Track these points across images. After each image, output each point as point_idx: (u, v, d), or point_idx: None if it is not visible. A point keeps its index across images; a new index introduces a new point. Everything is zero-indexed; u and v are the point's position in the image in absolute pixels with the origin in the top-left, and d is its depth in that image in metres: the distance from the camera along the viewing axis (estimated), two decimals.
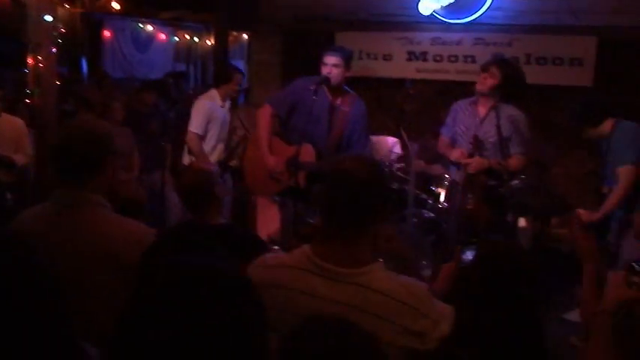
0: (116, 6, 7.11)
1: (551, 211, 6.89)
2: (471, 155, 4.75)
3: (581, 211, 4.62)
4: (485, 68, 4.92)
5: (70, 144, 2.36)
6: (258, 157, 5.03)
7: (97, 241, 2.34)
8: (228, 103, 6.27)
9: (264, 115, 5.05)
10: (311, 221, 2.65)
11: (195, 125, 5.92)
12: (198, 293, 1.21)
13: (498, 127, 4.55)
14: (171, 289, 1.22)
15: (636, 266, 2.42)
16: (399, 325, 1.89)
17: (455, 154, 5.08)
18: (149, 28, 10.86)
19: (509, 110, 4.87)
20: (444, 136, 5.32)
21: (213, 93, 6.15)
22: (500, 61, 4.93)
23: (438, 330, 1.93)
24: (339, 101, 4.98)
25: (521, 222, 6.10)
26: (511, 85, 4.81)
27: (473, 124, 4.95)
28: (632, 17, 6.74)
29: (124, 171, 6.39)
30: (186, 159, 6.11)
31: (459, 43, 7.34)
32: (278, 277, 2.02)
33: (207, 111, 5.98)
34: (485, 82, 4.84)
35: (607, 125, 4.80)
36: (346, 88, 5.03)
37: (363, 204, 1.97)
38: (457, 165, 5.08)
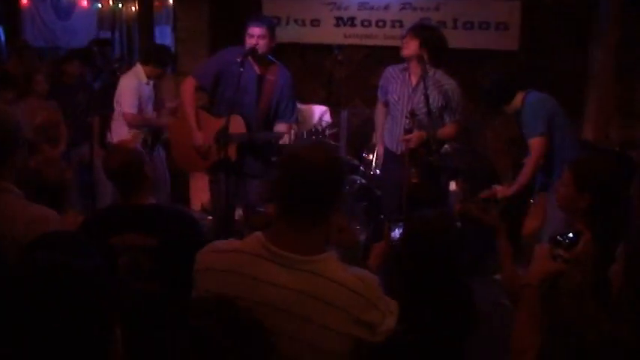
0: None
1: (480, 173, 7.05)
2: (409, 130, 4.76)
3: (497, 187, 4.74)
4: (404, 35, 4.97)
5: None
6: (184, 133, 4.94)
7: (7, 227, 2.33)
8: (152, 82, 6.13)
9: (187, 88, 4.95)
10: (261, 210, 2.61)
11: (129, 105, 5.82)
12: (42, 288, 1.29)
13: (426, 97, 4.58)
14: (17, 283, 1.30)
15: (561, 239, 2.49)
16: (351, 313, 1.88)
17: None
18: None
19: (440, 79, 4.90)
20: (380, 101, 5.31)
21: (138, 69, 6.00)
22: (416, 27, 4.99)
23: (386, 323, 1.94)
24: (265, 71, 4.93)
25: (452, 185, 6.23)
26: (431, 50, 4.84)
27: (405, 93, 4.96)
28: None
29: (51, 146, 6.23)
30: (111, 137, 5.99)
31: (386, 7, 7.34)
32: (230, 261, 1.99)
33: (136, 90, 5.87)
34: (407, 47, 4.87)
35: (518, 99, 4.90)
36: (271, 57, 4.98)
37: (320, 193, 1.94)
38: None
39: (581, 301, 2.27)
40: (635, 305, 1.90)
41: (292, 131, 4.83)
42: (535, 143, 4.73)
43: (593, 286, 2.26)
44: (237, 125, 4.71)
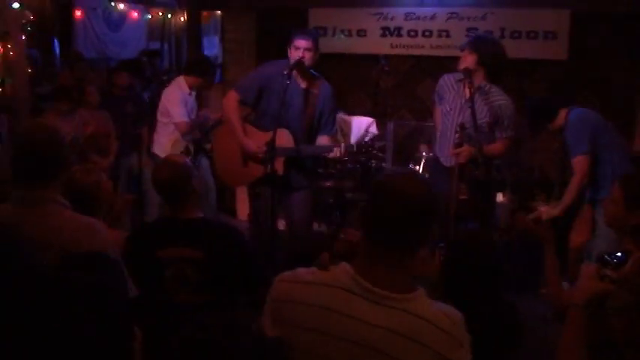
0: None
1: (527, 184, 6.98)
2: (459, 145, 4.70)
3: (542, 208, 4.69)
4: (462, 48, 4.90)
5: (35, 147, 2.40)
6: (228, 147, 4.97)
7: (54, 235, 2.42)
8: (194, 93, 6.23)
9: (230, 101, 4.96)
10: (343, 236, 2.57)
11: (180, 114, 5.93)
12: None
13: (473, 112, 4.51)
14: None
15: (608, 258, 2.44)
16: (439, 353, 1.84)
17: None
18: (121, 5, 10.65)
19: (493, 95, 4.80)
20: (437, 106, 5.24)
21: (181, 81, 6.11)
22: (475, 40, 4.90)
23: (469, 358, 1.91)
24: (309, 85, 4.95)
25: (499, 197, 6.17)
26: (490, 64, 4.78)
27: (458, 105, 4.89)
28: None
29: (100, 157, 6.36)
30: (157, 149, 6.08)
31: (432, 17, 7.32)
32: (317, 295, 1.92)
33: (183, 100, 5.98)
34: (464, 61, 4.81)
35: (561, 116, 4.87)
36: (313, 71, 5.00)
37: (415, 227, 1.89)
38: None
39: (629, 322, 2.24)
40: None
41: (342, 145, 4.80)
42: (578, 162, 4.69)
43: None
44: (285, 139, 4.73)
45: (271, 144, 4.44)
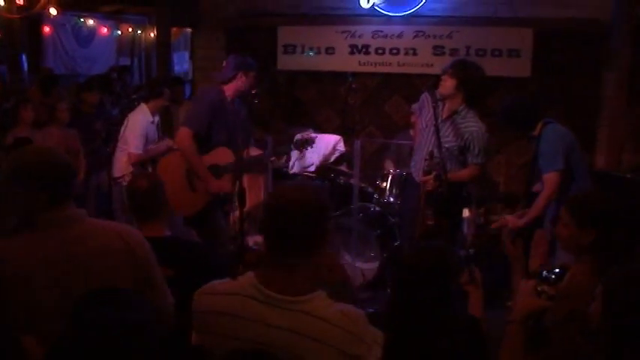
0: (53, 11, 6.98)
1: (493, 199, 7.10)
2: (428, 172, 4.75)
3: (508, 217, 4.71)
4: (443, 72, 4.93)
5: (54, 172, 2.44)
6: (174, 177, 4.91)
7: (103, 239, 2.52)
8: (157, 119, 6.25)
9: (186, 139, 4.90)
10: (255, 248, 2.67)
11: (136, 146, 5.95)
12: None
13: (438, 138, 4.56)
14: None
15: (547, 274, 2.52)
16: (340, 349, 1.99)
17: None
18: (90, 22, 10.68)
19: (466, 120, 4.83)
20: (417, 117, 5.27)
21: (144, 108, 6.15)
22: (456, 64, 4.90)
23: (373, 354, 2.05)
24: (237, 107, 5.08)
25: (465, 212, 6.26)
26: (469, 88, 4.84)
27: (433, 125, 4.91)
28: (567, 10, 6.93)
29: None
30: (117, 172, 6.11)
31: (400, 35, 7.43)
32: (225, 304, 2.09)
33: (144, 130, 6.02)
34: (444, 86, 4.85)
35: (537, 127, 4.91)
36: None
37: (305, 233, 2.04)
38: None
39: (566, 335, 2.32)
40: (613, 344, 1.94)
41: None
42: (550, 178, 4.69)
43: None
44: (225, 156, 4.82)
45: (214, 167, 4.55)
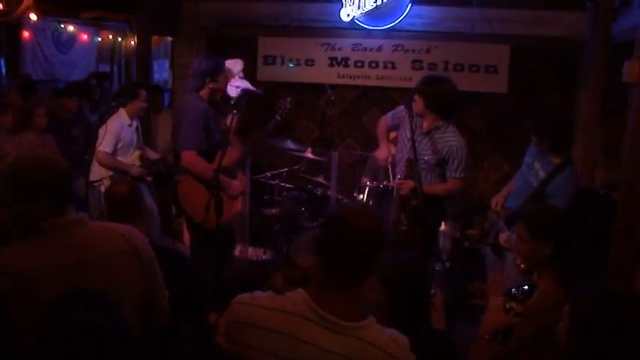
0: (33, 17, 6.97)
1: (469, 213, 7.16)
2: (405, 178, 4.82)
3: (503, 236, 4.54)
4: (415, 90, 4.98)
5: (55, 178, 2.49)
6: (196, 193, 4.96)
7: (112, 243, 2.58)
8: (136, 122, 6.25)
9: (193, 161, 4.94)
10: (293, 261, 2.65)
11: (105, 144, 5.94)
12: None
13: (414, 151, 4.63)
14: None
15: (515, 292, 2.57)
16: None
17: (379, 154, 5.17)
18: (71, 28, 10.62)
19: (444, 135, 4.89)
20: (387, 119, 5.33)
21: (122, 112, 6.15)
22: (421, 84, 4.95)
23: None
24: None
25: (442, 226, 6.32)
26: (436, 108, 4.86)
27: (413, 137, 4.93)
28: (544, 28, 7.04)
29: None
30: (93, 176, 6.08)
31: (379, 49, 7.50)
32: (275, 320, 2.02)
33: (118, 131, 6.03)
34: (416, 105, 4.88)
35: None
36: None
37: (367, 260, 2.02)
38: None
39: (534, 352, 2.36)
40: None
41: None
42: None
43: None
44: (229, 156, 4.84)
45: (218, 169, 4.54)
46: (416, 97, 4.89)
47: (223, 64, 5.15)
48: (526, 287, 2.58)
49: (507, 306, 2.54)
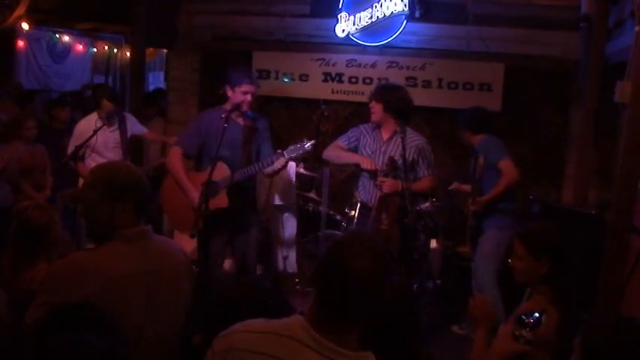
0: (26, 26, 6.97)
1: (460, 230, 7.13)
2: (385, 176, 4.91)
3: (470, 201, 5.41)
4: (370, 99, 5.23)
5: (144, 187, 2.61)
6: (176, 197, 5.03)
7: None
8: (115, 125, 6.36)
9: (175, 157, 5.06)
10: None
11: (70, 144, 6.29)
12: None
13: (404, 151, 4.77)
14: None
15: (525, 318, 2.51)
16: None
17: (365, 164, 5.20)
18: (66, 38, 10.63)
19: (413, 138, 5.14)
20: (342, 143, 5.44)
21: (93, 114, 6.36)
22: (378, 90, 5.26)
23: None
24: (247, 121, 5.10)
25: (432, 243, 6.30)
26: (395, 111, 5.08)
27: (378, 148, 5.16)
28: (538, 47, 7.05)
29: (36, 191, 6.31)
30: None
31: (373, 65, 7.49)
32: (271, 345, 1.94)
33: (81, 133, 6.23)
34: (374, 112, 5.17)
35: (478, 137, 5.48)
36: (248, 112, 5.19)
37: (371, 300, 1.94)
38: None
39: None
40: None
41: (284, 153, 4.94)
42: (506, 166, 5.33)
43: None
44: (221, 171, 4.82)
45: (208, 182, 4.51)
46: (372, 104, 5.08)
47: (243, 77, 5.09)
48: (537, 314, 2.51)
49: (517, 333, 2.49)
